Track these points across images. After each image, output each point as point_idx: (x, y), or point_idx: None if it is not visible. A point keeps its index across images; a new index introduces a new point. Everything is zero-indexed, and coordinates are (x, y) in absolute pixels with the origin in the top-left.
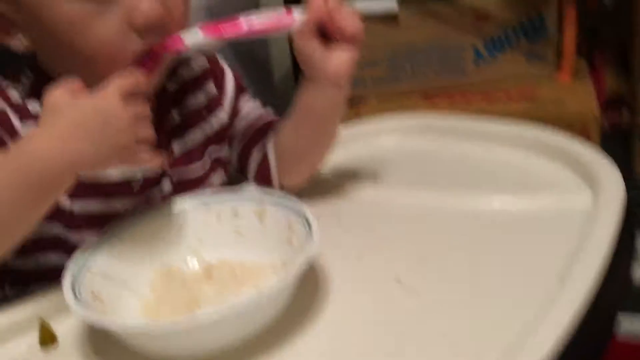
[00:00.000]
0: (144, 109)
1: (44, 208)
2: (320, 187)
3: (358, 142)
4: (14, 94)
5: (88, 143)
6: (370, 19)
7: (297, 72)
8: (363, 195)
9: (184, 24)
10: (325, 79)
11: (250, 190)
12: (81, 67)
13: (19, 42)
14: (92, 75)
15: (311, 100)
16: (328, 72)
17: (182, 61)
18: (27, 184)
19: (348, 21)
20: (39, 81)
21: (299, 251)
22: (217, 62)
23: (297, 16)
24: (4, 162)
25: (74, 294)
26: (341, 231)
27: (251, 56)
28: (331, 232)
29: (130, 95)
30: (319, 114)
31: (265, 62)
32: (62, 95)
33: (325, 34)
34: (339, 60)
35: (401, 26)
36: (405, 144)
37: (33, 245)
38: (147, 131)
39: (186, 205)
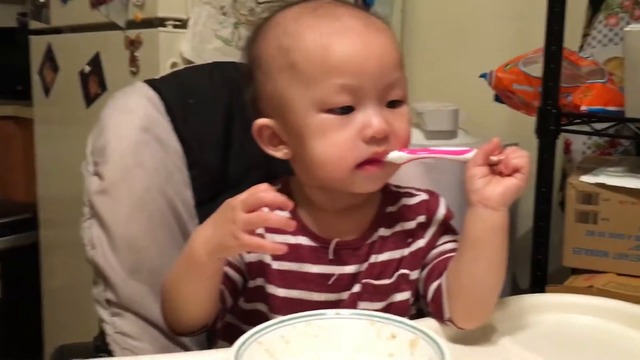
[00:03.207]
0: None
1: (200, 282)
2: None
3: (550, 313)
4: None
5: (210, 228)
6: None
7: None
8: None
9: (406, 141)
10: (479, 201)
11: (410, 320)
12: (318, 167)
13: (282, 154)
14: (325, 176)
15: (468, 224)
16: (484, 194)
17: (408, 193)
18: (183, 261)
19: (513, 155)
20: (283, 193)
21: None
22: (436, 199)
23: (474, 151)
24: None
25: (237, 353)
26: None
27: None
28: None
29: (251, 196)
30: (473, 236)
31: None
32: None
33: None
34: (497, 185)
35: None
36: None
37: (244, 316)
38: (258, 220)
39: (357, 316)
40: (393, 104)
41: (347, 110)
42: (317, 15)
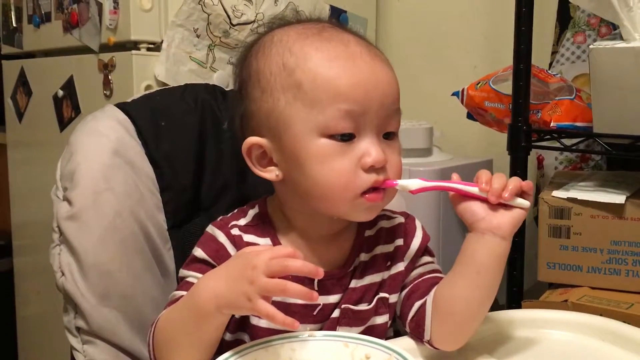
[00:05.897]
0: (284, 268)
1: (206, 333)
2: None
3: (525, 328)
4: (236, 231)
5: (223, 281)
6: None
7: None
8: None
9: (399, 173)
10: (488, 229)
11: (383, 341)
12: (318, 194)
13: (273, 175)
14: (324, 202)
15: (472, 250)
16: (493, 222)
17: (385, 216)
18: (189, 309)
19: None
20: (260, 217)
21: None
22: (412, 222)
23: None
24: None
25: None
26: None
27: None
28: None
29: (277, 262)
30: (479, 263)
31: None
32: (250, 249)
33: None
34: (505, 215)
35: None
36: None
37: (230, 345)
38: (277, 289)
39: (330, 337)
40: (388, 136)
41: (347, 137)
42: (323, 38)
